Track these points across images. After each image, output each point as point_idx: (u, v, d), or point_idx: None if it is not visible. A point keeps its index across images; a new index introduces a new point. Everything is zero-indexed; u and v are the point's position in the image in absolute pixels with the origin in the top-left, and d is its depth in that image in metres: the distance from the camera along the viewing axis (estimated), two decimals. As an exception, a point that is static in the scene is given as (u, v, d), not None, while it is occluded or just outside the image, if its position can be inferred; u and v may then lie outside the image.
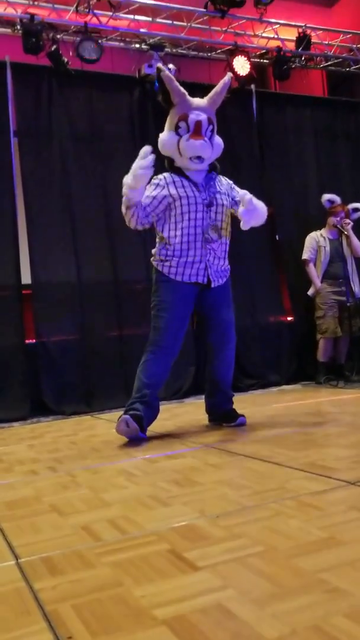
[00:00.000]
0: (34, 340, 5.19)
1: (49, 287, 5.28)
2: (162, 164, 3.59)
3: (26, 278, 5.25)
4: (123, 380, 5.33)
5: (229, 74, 3.67)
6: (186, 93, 3.45)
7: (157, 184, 3.44)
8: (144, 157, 3.19)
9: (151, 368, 3.42)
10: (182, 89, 3.43)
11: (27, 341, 5.17)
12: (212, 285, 3.48)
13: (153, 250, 3.63)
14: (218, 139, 3.55)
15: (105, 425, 4.21)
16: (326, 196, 5.88)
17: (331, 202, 5.85)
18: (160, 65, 3.43)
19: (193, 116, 3.41)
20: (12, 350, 5.04)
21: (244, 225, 3.37)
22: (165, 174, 3.50)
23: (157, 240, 3.59)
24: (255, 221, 3.39)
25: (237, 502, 1.94)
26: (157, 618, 1.20)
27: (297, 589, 1.27)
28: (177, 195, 3.40)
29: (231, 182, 3.66)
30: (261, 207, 3.41)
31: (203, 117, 3.43)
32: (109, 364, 5.35)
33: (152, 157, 3.19)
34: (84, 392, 5.18)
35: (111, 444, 3.33)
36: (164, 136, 3.52)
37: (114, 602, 1.30)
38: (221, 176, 3.64)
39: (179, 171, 3.49)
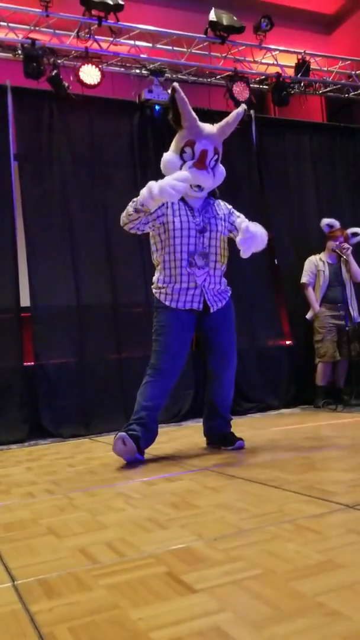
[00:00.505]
0: (33, 363, 5.18)
1: (48, 310, 5.28)
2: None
3: (25, 301, 5.26)
4: (122, 403, 5.32)
5: (243, 106, 3.64)
6: (197, 119, 3.43)
7: None
8: (183, 178, 3.19)
9: (150, 391, 3.42)
10: (193, 113, 3.41)
11: (25, 364, 5.16)
12: (211, 310, 3.48)
13: (153, 278, 3.63)
14: (221, 168, 3.55)
15: (103, 448, 4.19)
16: (325, 220, 5.92)
17: (330, 226, 5.88)
18: (176, 85, 3.41)
19: (200, 145, 3.40)
20: (10, 373, 5.03)
21: (244, 254, 3.35)
22: None
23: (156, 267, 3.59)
24: (255, 248, 3.36)
25: (235, 525, 1.93)
26: (154, 641, 1.19)
27: (295, 612, 1.26)
28: (171, 218, 3.41)
29: (230, 207, 3.66)
30: (260, 233, 3.37)
31: (210, 147, 3.42)
32: (108, 387, 5.34)
33: (188, 180, 3.21)
34: (82, 415, 5.16)
35: (109, 467, 3.32)
36: (168, 157, 3.50)
37: (111, 624, 1.29)
38: (220, 201, 3.64)
39: None
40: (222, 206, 3.61)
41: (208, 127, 3.48)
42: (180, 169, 3.40)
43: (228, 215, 3.58)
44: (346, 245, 5.71)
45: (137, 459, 3.28)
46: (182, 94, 3.38)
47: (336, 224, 5.89)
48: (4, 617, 1.38)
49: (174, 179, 3.18)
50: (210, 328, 3.54)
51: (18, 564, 1.75)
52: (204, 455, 3.47)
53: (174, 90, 3.38)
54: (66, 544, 1.91)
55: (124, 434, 3.22)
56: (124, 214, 3.43)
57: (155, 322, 3.56)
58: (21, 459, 3.99)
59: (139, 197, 3.28)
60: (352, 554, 1.58)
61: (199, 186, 3.44)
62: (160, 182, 3.18)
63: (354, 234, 5.89)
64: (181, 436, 4.41)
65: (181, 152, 3.44)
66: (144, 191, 3.22)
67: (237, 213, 3.62)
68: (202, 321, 3.52)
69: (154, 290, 3.59)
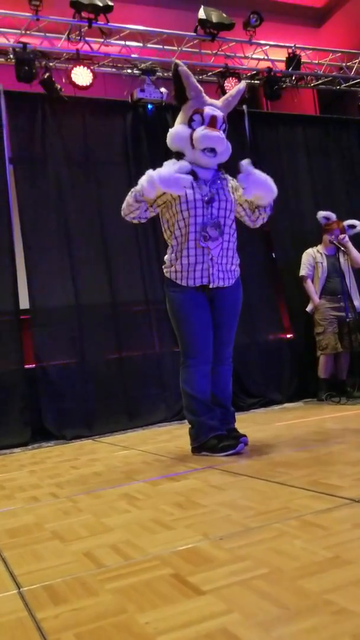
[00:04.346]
0: (34, 365, 5.18)
1: (48, 312, 5.28)
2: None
3: (24, 303, 5.25)
4: (124, 402, 5.32)
5: (244, 82, 3.59)
6: (202, 90, 3.40)
7: None
8: (184, 169, 3.16)
9: (195, 380, 3.36)
10: (198, 85, 3.39)
11: (26, 366, 5.16)
12: (211, 285, 3.34)
13: (165, 257, 3.51)
14: (228, 144, 3.46)
15: (106, 449, 4.18)
16: (322, 213, 5.91)
17: (327, 218, 5.88)
18: (176, 60, 3.40)
19: (209, 110, 3.35)
20: (12, 376, 5.02)
21: (246, 193, 3.28)
22: None
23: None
24: (258, 189, 3.30)
25: (241, 524, 1.92)
26: (162, 645, 1.18)
27: (303, 611, 1.25)
28: (176, 194, 3.28)
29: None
30: (265, 177, 3.32)
31: (219, 113, 3.38)
32: (109, 387, 5.34)
33: (189, 171, 3.19)
34: (84, 416, 5.16)
35: (112, 468, 3.31)
36: (176, 129, 3.43)
37: (118, 630, 1.28)
38: (228, 175, 3.54)
39: None
40: (230, 180, 3.52)
41: (213, 99, 3.46)
42: (191, 136, 3.34)
43: (238, 189, 3.47)
44: (342, 235, 5.70)
45: (243, 442, 3.30)
46: (184, 67, 3.38)
47: (332, 216, 5.89)
48: (11, 625, 1.37)
49: (176, 171, 3.13)
50: (216, 308, 3.44)
51: (23, 570, 1.74)
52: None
53: (176, 65, 3.37)
54: (71, 548, 1.90)
55: (240, 446, 3.25)
56: (124, 205, 3.38)
57: (170, 309, 3.45)
58: (24, 463, 3.98)
59: (137, 187, 3.25)
60: (359, 549, 1.56)
61: (213, 150, 3.35)
62: (162, 173, 3.13)
63: (351, 226, 5.88)
64: (184, 434, 4.38)
65: (189, 121, 3.37)
66: (143, 181, 3.19)
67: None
68: (211, 302, 3.44)
69: (164, 270, 3.47)
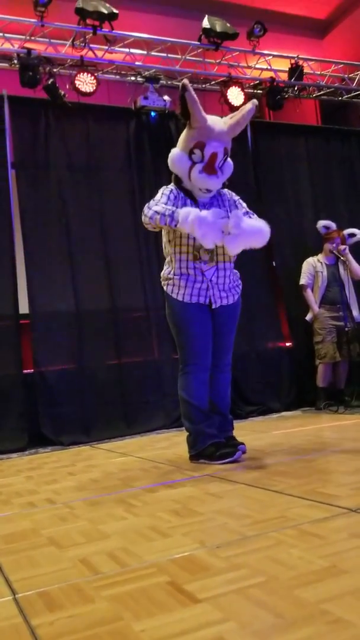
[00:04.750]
0: (32, 370, 5.17)
1: (47, 317, 5.29)
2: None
3: (24, 308, 5.26)
4: (122, 409, 5.32)
5: (254, 101, 3.44)
6: (207, 119, 3.33)
7: (170, 191, 3.38)
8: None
9: (193, 387, 3.36)
10: (203, 113, 3.32)
11: (25, 371, 5.16)
12: (214, 306, 3.38)
13: (162, 272, 3.54)
14: (229, 163, 3.45)
15: (103, 455, 4.18)
16: (322, 222, 5.93)
17: (327, 228, 5.89)
18: (185, 82, 3.33)
19: (210, 148, 3.31)
20: (10, 381, 5.02)
21: (230, 252, 3.24)
22: (172, 187, 3.44)
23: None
24: (245, 245, 3.21)
25: (238, 532, 1.92)
26: (157, 653, 1.18)
27: (299, 620, 1.25)
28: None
29: (237, 197, 3.57)
30: (252, 230, 3.22)
31: (220, 148, 3.34)
32: (108, 393, 5.33)
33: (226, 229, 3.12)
34: (82, 421, 5.15)
35: (110, 475, 3.31)
36: (176, 155, 3.42)
37: (113, 637, 1.27)
38: (227, 191, 3.55)
39: (184, 190, 3.42)
40: (228, 197, 3.52)
41: (218, 126, 3.35)
42: (190, 170, 3.34)
43: (233, 207, 3.48)
44: (342, 246, 5.72)
45: (241, 450, 3.29)
46: (192, 92, 3.28)
47: (332, 225, 5.90)
48: (5, 631, 1.37)
49: (221, 229, 3.08)
50: (215, 317, 3.44)
51: (19, 576, 1.74)
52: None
53: (184, 88, 3.28)
54: (67, 554, 1.89)
55: (238, 454, 3.25)
56: (151, 213, 3.23)
57: (170, 317, 3.46)
58: (21, 468, 3.97)
59: (175, 214, 3.14)
60: (355, 559, 1.56)
61: (207, 190, 3.38)
62: (206, 227, 3.05)
63: (351, 235, 5.90)
64: (182, 441, 4.36)
65: (190, 153, 3.36)
66: (185, 220, 3.08)
67: (243, 204, 3.54)
68: (211, 317, 3.44)
69: (162, 283, 3.49)
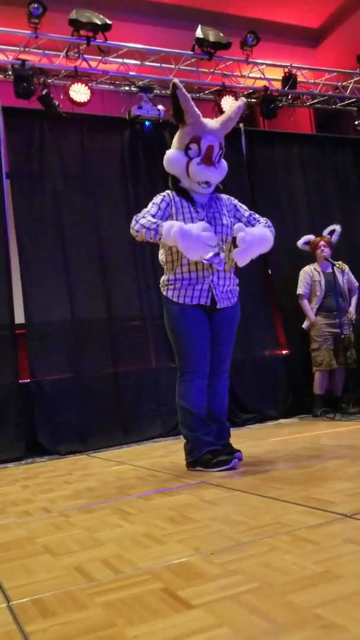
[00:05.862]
0: (29, 380, 5.17)
1: (43, 326, 5.28)
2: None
3: (20, 318, 5.26)
4: (118, 418, 5.31)
5: (242, 99, 3.54)
6: (201, 115, 3.38)
7: (162, 199, 3.40)
8: (211, 239, 3.14)
9: (191, 395, 3.36)
10: (196, 109, 3.36)
11: (21, 381, 5.15)
12: (218, 306, 3.38)
13: (161, 278, 3.54)
14: (224, 163, 3.49)
15: (100, 464, 4.17)
16: (300, 241, 5.98)
17: (307, 242, 5.94)
18: (176, 81, 3.37)
19: (206, 141, 3.34)
20: (6, 391, 5.01)
21: (239, 264, 3.30)
22: (169, 192, 3.44)
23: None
24: (252, 255, 3.30)
25: (233, 539, 1.92)
26: (150, 659, 1.18)
27: (292, 625, 1.25)
28: (174, 217, 3.33)
29: (236, 201, 3.59)
30: (258, 239, 3.30)
31: (215, 142, 3.38)
32: (104, 402, 5.33)
33: (213, 240, 3.16)
34: (79, 431, 5.14)
35: (106, 483, 3.30)
36: (172, 154, 3.44)
37: (106, 643, 1.27)
38: (225, 196, 3.57)
39: (182, 192, 3.43)
40: (226, 201, 3.54)
41: (211, 122, 3.42)
42: (187, 165, 3.36)
43: (234, 211, 3.51)
44: (326, 250, 5.77)
45: (238, 458, 3.30)
46: (183, 89, 3.33)
47: (311, 236, 5.95)
48: (-1, 638, 1.37)
49: (205, 242, 3.11)
50: (214, 324, 3.45)
51: (13, 584, 1.73)
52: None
53: (174, 86, 3.32)
54: (62, 562, 1.89)
55: (234, 461, 3.25)
56: (138, 226, 3.26)
57: (168, 324, 3.45)
58: (17, 477, 3.97)
59: (159, 228, 3.18)
60: (349, 564, 1.56)
61: (207, 182, 3.38)
62: (189, 240, 3.09)
63: (331, 233, 5.96)
64: (180, 450, 4.36)
65: (186, 149, 3.38)
66: (168, 233, 3.14)
67: (244, 207, 3.56)
68: (210, 321, 3.45)
69: (162, 289, 3.49)
